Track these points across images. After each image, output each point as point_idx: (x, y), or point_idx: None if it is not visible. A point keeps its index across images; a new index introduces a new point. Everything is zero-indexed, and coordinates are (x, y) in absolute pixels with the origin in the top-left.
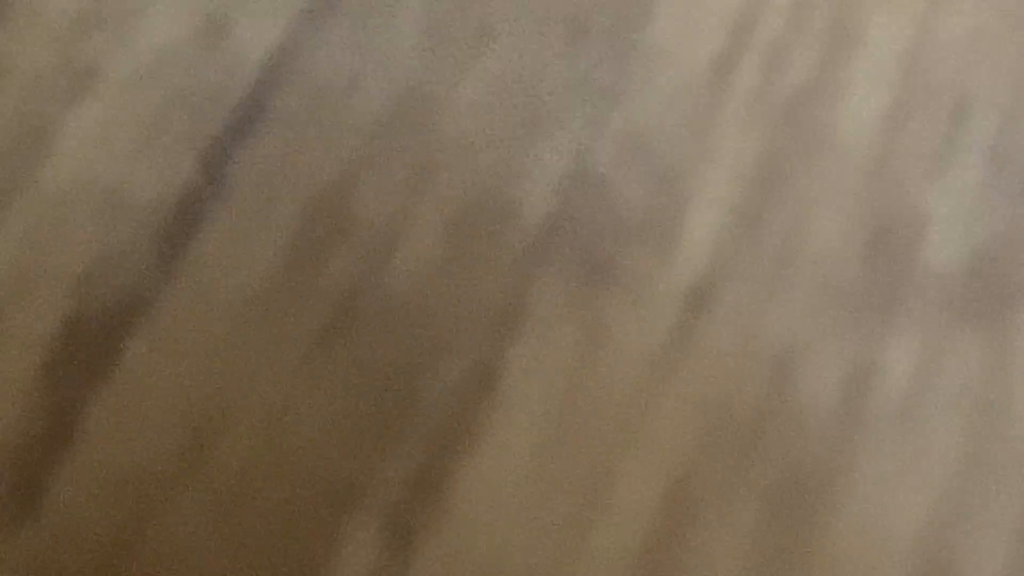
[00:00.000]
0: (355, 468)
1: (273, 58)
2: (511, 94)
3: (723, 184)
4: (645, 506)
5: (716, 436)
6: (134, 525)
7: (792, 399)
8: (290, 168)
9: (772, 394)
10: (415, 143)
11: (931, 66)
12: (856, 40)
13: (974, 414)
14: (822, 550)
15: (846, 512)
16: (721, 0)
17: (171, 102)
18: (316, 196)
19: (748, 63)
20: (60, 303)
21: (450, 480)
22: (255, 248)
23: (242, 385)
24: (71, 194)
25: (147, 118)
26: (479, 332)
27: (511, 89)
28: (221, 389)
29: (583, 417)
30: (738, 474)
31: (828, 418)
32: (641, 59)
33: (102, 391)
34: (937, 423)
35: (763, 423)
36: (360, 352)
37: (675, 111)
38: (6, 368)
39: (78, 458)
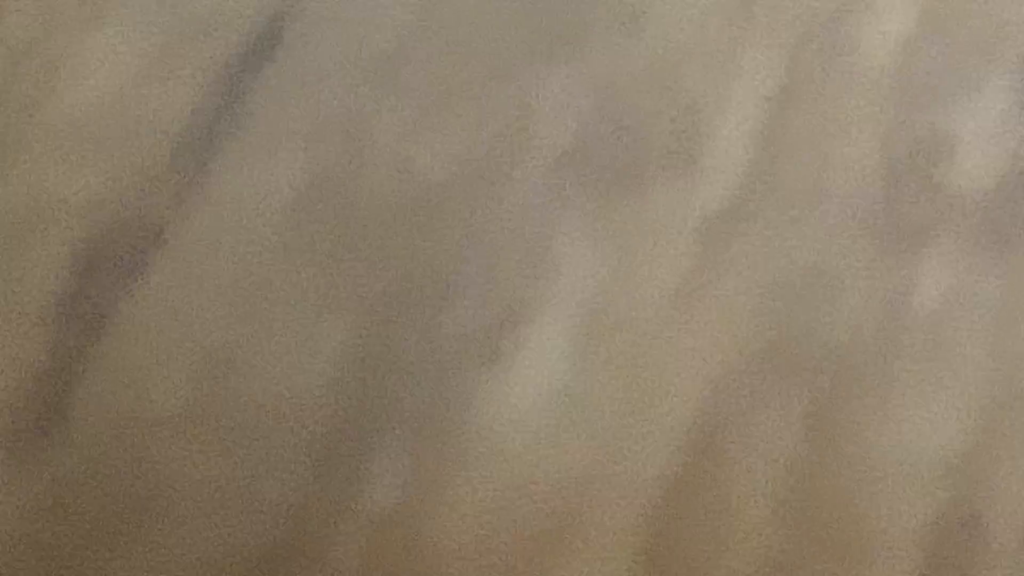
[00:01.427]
0: (376, 400)
1: None
2: (530, 19)
3: (747, 109)
4: (673, 435)
5: (744, 366)
6: (149, 459)
7: (819, 328)
8: (306, 95)
9: (799, 323)
10: (432, 72)
11: None
12: None
13: (1006, 339)
14: (854, 476)
15: (878, 440)
16: None
17: (186, 27)
18: (331, 124)
19: None
20: (72, 233)
21: (474, 410)
22: (270, 176)
23: (257, 317)
24: (84, 121)
25: (162, 43)
26: (500, 263)
27: (530, 14)
28: (236, 321)
29: (608, 348)
30: (768, 403)
31: (857, 346)
32: None
33: (117, 321)
34: (968, 349)
35: (789, 353)
36: (379, 283)
37: (698, 35)
38: (19, 300)
39: (91, 393)
